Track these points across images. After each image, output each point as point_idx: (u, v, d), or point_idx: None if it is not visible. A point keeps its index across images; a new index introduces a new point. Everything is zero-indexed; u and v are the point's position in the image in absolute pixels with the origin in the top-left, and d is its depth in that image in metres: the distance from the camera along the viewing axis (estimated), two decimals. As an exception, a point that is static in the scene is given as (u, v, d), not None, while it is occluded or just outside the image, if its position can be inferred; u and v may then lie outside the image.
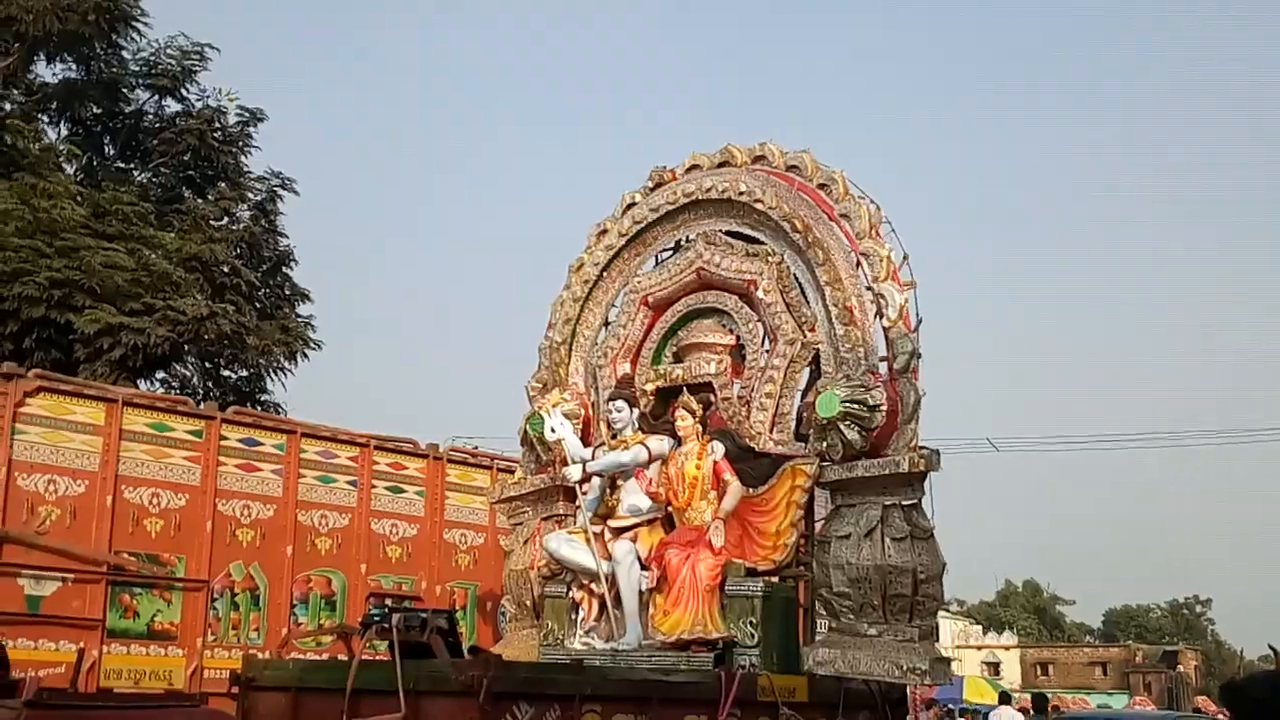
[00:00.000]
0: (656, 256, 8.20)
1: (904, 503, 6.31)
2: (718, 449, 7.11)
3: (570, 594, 7.28)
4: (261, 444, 9.61)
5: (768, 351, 7.39)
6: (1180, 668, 46.28)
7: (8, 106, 16.79)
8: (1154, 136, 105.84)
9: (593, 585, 7.14)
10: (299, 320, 17.51)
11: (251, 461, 9.51)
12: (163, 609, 8.82)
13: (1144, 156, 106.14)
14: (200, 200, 17.76)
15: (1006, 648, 50.68)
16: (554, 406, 7.68)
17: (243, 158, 18.30)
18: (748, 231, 7.66)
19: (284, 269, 18.19)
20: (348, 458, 10.22)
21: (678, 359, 7.79)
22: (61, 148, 17.16)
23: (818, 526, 6.72)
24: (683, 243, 8.02)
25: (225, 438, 9.35)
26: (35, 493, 8.36)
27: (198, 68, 18.26)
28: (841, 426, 6.45)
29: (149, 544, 8.81)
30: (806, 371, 7.32)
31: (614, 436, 7.46)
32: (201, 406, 9.65)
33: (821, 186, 7.29)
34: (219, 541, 9.17)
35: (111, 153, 18.49)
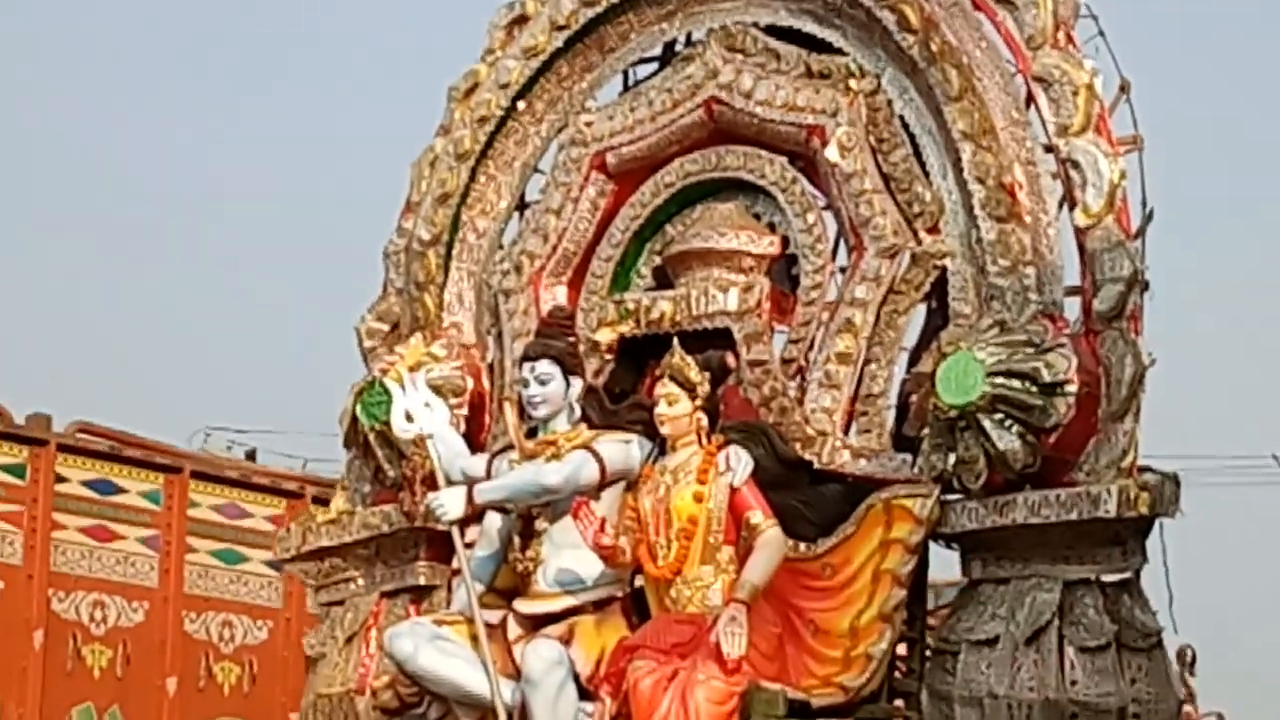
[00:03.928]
0: (626, 74, 6.33)
1: (1106, 578, 5.15)
2: (739, 463, 5.40)
3: (438, 746, 5.72)
4: None
5: (843, 271, 5.74)
6: None
7: None
8: None
9: (483, 730, 5.56)
10: None
11: None
12: None
13: None
14: None
15: None
16: (413, 370, 6.07)
17: None
18: (811, 28, 5.82)
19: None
20: (2, 455, 7.92)
21: (662, 281, 6.15)
22: None
23: (933, 622, 5.52)
24: (679, 47, 6.13)
25: None
26: None
27: None
28: (987, 424, 5.18)
29: None
30: (920, 313, 5.64)
31: (532, 434, 5.78)
32: None
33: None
34: None
35: None
